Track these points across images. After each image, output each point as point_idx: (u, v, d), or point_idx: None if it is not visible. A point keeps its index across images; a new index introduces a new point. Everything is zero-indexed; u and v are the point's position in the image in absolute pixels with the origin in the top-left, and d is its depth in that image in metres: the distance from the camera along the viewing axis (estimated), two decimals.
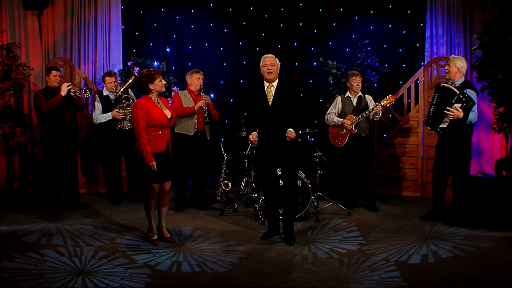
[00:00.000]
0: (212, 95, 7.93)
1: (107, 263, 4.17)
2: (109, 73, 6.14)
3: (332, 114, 6.01)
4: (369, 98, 5.97)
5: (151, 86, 4.52)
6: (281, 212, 5.14)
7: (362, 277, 3.90)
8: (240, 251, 4.50)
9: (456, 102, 4.92)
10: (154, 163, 4.43)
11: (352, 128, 5.80)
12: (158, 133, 4.49)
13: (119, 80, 6.46)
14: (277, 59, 4.80)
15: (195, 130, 5.78)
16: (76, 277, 3.87)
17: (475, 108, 4.97)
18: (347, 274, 3.95)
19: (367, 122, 5.89)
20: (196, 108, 5.73)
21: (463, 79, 5.15)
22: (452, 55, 5.44)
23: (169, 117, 4.59)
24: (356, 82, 5.90)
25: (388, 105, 5.83)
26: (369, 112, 5.73)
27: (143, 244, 4.66)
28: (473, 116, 4.96)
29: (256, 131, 4.83)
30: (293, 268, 4.10)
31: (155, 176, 4.50)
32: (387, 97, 5.73)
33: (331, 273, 3.98)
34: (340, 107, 6.00)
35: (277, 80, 4.76)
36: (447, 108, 4.95)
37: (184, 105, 5.74)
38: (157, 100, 4.61)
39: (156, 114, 4.47)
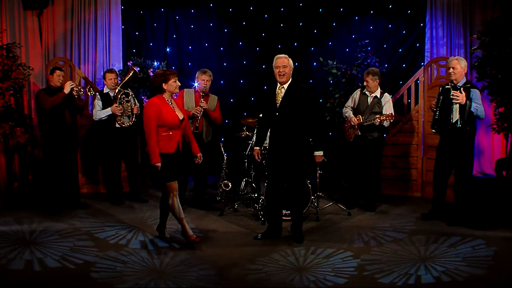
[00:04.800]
0: None
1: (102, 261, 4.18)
2: (110, 70, 6.20)
3: (348, 108, 5.96)
4: (386, 98, 5.82)
5: (164, 86, 4.48)
6: (285, 213, 5.17)
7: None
8: (240, 251, 4.50)
9: (453, 90, 5.11)
10: (160, 164, 4.37)
11: (357, 129, 5.76)
12: (168, 133, 4.45)
13: (119, 79, 6.47)
14: (290, 59, 4.68)
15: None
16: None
17: (477, 97, 5.08)
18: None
19: (375, 126, 5.73)
20: (190, 114, 5.63)
21: (465, 79, 5.22)
22: (451, 57, 5.45)
23: (180, 118, 4.54)
24: (366, 82, 5.79)
25: (386, 121, 5.65)
26: (371, 121, 5.66)
27: (140, 244, 4.67)
28: (478, 105, 5.04)
29: (260, 146, 4.84)
30: (290, 269, 4.11)
31: (169, 174, 4.46)
32: (386, 113, 5.64)
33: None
34: (356, 102, 5.92)
35: (289, 81, 4.68)
36: (452, 92, 5.06)
37: (185, 105, 5.72)
38: (170, 100, 4.57)
39: (167, 114, 4.43)
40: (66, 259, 4.25)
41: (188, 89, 5.93)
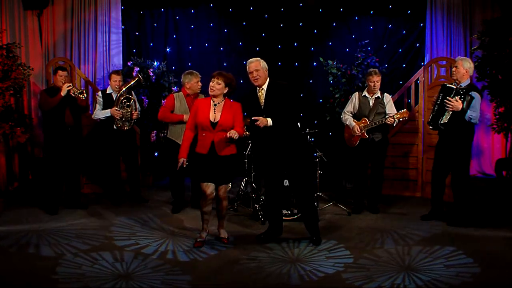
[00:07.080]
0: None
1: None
2: (117, 72, 6.12)
3: (348, 114, 5.83)
4: (387, 98, 5.73)
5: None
6: (285, 212, 5.15)
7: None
8: (239, 251, 4.50)
9: (455, 95, 5.02)
10: (183, 160, 4.52)
11: (364, 133, 5.68)
12: (202, 134, 4.54)
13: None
14: (262, 61, 4.62)
15: None
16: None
17: (476, 106, 5.00)
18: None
19: (379, 127, 5.64)
20: (184, 119, 5.47)
21: (469, 81, 5.16)
22: (458, 57, 5.42)
23: (214, 121, 4.49)
24: (372, 82, 5.64)
25: (401, 119, 5.62)
26: (383, 121, 5.57)
27: (139, 244, 4.67)
28: (473, 114, 4.97)
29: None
30: (290, 269, 4.13)
31: (198, 174, 4.57)
32: (402, 111, 5.55)
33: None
34: (356, 106, 5.80)
35: (267, 81, 4.66)
36: (447, 98, 5.01)
37: (177, 110, 5.60)
38: (216, 102, 4.54)
39: (200, 114, 4.50)
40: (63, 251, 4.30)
41: (178, 93, 5.73)
